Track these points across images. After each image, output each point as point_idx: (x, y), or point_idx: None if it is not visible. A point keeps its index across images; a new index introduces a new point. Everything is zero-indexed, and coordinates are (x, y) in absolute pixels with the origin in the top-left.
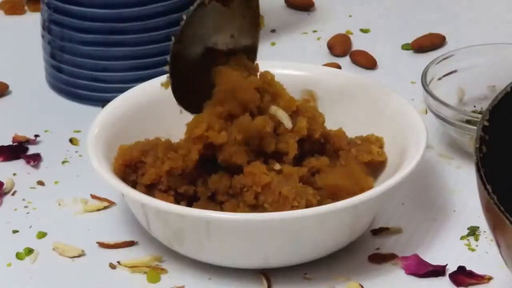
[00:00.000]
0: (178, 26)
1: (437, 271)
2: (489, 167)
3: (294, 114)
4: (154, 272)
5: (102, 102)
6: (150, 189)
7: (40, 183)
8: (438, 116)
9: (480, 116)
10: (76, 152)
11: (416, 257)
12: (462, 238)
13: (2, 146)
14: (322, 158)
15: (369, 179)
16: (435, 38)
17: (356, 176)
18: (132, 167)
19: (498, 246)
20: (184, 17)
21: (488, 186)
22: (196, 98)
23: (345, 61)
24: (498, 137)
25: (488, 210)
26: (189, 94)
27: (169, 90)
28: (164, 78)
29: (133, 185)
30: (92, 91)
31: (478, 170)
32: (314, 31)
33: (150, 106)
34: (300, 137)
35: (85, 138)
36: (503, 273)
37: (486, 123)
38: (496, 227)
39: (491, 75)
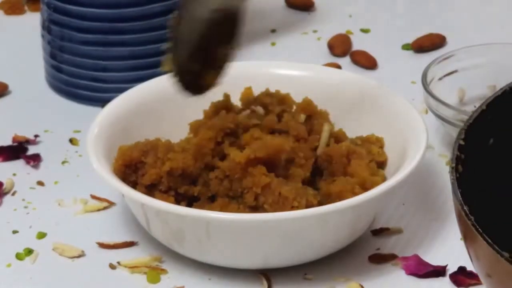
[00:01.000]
0: None
1: (438, 272)
2: (465, 186)
3: (308, 120)
4: (154, 273)
5: (102, 102)
6: (150, 190)
7: (40, 183)
8: (438, 116)
9: None
10: (76, 152)
11: (416, 258)
12: (462, 238)
13: (2, 146)
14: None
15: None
16: (435, 38)
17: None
18: (132, 168)
19: (470, 257)
20: None
21: (465, 207)
22: (198, 79)
23: (345, 61)
24: (474, 156)
25: (462, 224)
26: (190, 74)
27: (168, 89)
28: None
29: (133, 185)
30: (92, 91)
31: (455, 191)
32: (314, 31)
33: (150, 106)
34: (311, 148)
35: (85, 138)
36: None
37: (461, 142)
38: (468, 239)
39: (491, 75)
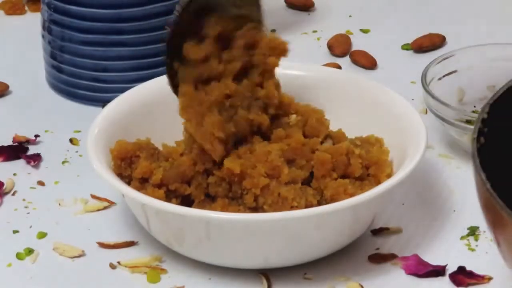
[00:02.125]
0: None
1: (437, 271)
2: (485, 157)
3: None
4: (154, 272)
5: (102, 102)
6: (142, 184)
7: (40, 183)
8: (438, 116)
9: None
10: (76, 152)
11: (416, 257)
12: (462, 238)
13: (2, 146)
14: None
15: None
16: (435, 38)
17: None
18: (127, 161)
19: (497, 243)
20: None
21: (483, 174)
22: None
23: (345, 61)
24: (496, 132)
25: (486, 206)
26: None
27: (169, 89)
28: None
29: (129, 181)
30: (92, 91)
31: (474, 159)
32: (314, 31)
33: (150, 106)
34: (311, 149)
35: (85, 138)
36: (503, 273)
37: (485, 116)
38: (495, 223)
39: (491, 75)
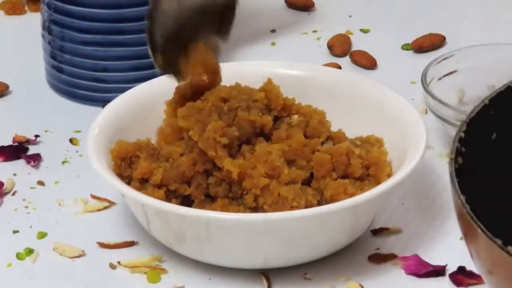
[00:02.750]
0: None
1: (437, 271)
2: (464, 178)
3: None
4: (154, 272)
5: (102, 102)
6: (142, 184)
7: (40, 183)
8: (438, 116)
9: None
10: (76, 152)
11: (416, 257)
12: (462, 238)
13: (2, 146)
14: None
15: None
16: (435, 38)
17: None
18: (127, 162)
19: (471, 254)
20: None
21: (462, 197)
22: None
23: (345, 61)
24: (474, 149)
25: (461, 219)
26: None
27: (169, 90)
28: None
29: (129, 180)
30: (92, 92)
31: (453, 181)
32: (314, 31)
33: (150, 106)
34: (311, 150)
35: (85, 138)
36: None
37: (462, 135)
38: (468, 235)
39: (491, 75)
